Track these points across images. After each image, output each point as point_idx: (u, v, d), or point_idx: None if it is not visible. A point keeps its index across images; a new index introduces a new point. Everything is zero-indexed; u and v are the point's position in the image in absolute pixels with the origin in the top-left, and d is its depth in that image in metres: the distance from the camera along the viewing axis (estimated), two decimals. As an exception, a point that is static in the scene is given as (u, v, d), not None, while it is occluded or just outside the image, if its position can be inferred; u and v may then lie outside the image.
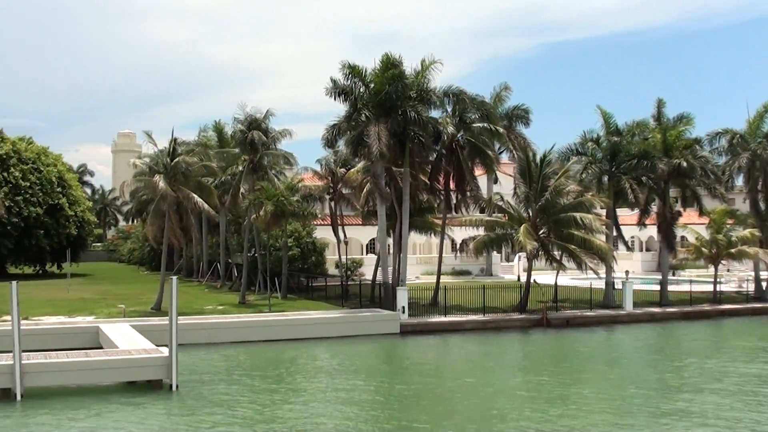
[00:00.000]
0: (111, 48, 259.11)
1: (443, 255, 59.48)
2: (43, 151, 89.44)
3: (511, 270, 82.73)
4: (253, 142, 57.70)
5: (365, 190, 55.62)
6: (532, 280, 54.69)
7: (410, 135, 50.27)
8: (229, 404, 29.98)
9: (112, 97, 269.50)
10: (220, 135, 72.93)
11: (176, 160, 52.06)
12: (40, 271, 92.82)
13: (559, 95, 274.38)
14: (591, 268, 52.39)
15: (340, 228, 63.57)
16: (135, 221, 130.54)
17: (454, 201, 57.12)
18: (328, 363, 40.11)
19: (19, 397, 30.39)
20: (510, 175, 59.07)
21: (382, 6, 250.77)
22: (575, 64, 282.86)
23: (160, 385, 32.46)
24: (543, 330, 50.93)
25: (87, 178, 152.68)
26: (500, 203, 55.29)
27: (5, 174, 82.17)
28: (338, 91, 50.93)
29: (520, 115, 71.98)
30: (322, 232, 71.18)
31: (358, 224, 71.62)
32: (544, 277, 65.93)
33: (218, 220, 72.55)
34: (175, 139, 54.41)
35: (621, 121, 58.99)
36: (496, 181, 71.88)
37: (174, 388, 32.10)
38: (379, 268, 56.69)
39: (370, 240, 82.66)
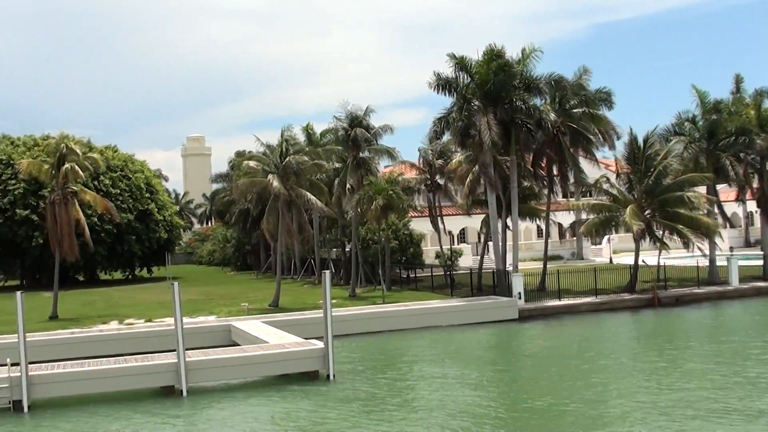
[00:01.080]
0: (159, 53, 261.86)
1: (533, 241, 60.08)
2: (129, 158, 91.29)
3: (600, 252, 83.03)
4: (356, 139, 58.66)
5: (468, 179, 56.21)
6: (640, 261, 55.05)
7: (517, 123, 50.87)
8: (388, 390, 31.22)
9: (163, 102, 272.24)
10: (308, 135, 73.83)
11: (287, 159, 53.17)
12: (130, 276, 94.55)
13: (612, 77, 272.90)
14: (698, 247, 52.72)
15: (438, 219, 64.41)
16: (209, 223, 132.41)
17: (558, 186, 57.54)
18: (467, 348, 41.19)
19: (184, 393, 31.49)
20: (597, 161, 59.18)
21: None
22: (626, 45, 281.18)
23: (316, 375, 33.44)
24: (654, 309, 51.42)
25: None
26: (606, 186, 55.69)
27: (96, 182, 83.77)
28: (442, 83, 51.69)
29: (603, 98, 72.11)
30: (416, 224, 71.96)
31: (451, 215, 72.29)
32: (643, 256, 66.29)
33: (326, 217, 73.26)
34: (287, 140, 55.56)
35: (690, 101, 59.51)
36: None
37: (331, 377, 33.04)
38: (485, 256, 57.42)
39: (461, 230, 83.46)
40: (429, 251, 74.33)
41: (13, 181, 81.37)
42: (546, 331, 45.58)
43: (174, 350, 32.56)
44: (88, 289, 79.45)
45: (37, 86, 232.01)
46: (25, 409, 30.15)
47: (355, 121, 58.96)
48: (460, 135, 51.64)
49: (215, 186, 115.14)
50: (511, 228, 55.07)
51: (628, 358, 36.17)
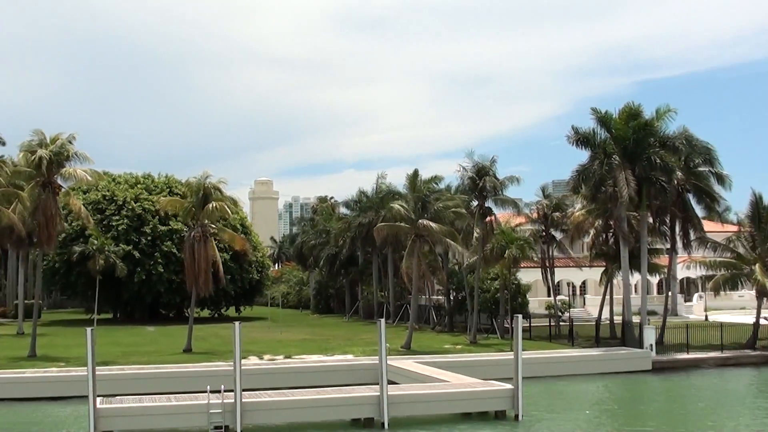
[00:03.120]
0: (208, 98, 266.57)
1: (633, 295, 61.07)
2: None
3: (691, 309, 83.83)
4: (484, 188, 60.08)
5: (592, 232, 57.59)
6: (762, 318, 56.13)
7: (651, 179, 52.27)
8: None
9: (208, 145, 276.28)
10: (412, 182, 75.31)
11: (436, 205, 54.96)
12: (216, 315, 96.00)
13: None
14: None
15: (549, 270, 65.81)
16: (278, 265, 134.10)
17: (679, 243, 58.72)
18: (620, 397, 42.48)
19: (386, 426, 32.90)
20: (723, 220, 60.59)
21: (473, 49, 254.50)
22: (671, 101, 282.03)
23: (503, 415, 34.74)
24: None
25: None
26: (731, 244, 56.82)
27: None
28: (580, 138, 53.29)
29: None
30: (522, 274, 73.14)
31: (560, 266, 73.49)
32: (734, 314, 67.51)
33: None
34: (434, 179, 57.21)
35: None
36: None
37: (519, 417, 34.36)
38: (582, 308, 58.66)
39: (567, 281, 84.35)
40: (533, 301, 75.37)
41: (117, 217, 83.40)
42: (684, 383, 46.87)
43: (364, 383, 34.13)
44: (181, 325, 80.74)
45: (93, 127, 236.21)
46: (237, 435, 31.70)
47: (482, 170, 60.39)
48: (594, 188, 53.06)
49: (285, 228, 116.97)
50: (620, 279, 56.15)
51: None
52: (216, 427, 31.90)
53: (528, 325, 63.36)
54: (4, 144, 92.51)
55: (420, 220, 54.03)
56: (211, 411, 31.99)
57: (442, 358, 49.15)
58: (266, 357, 51.31)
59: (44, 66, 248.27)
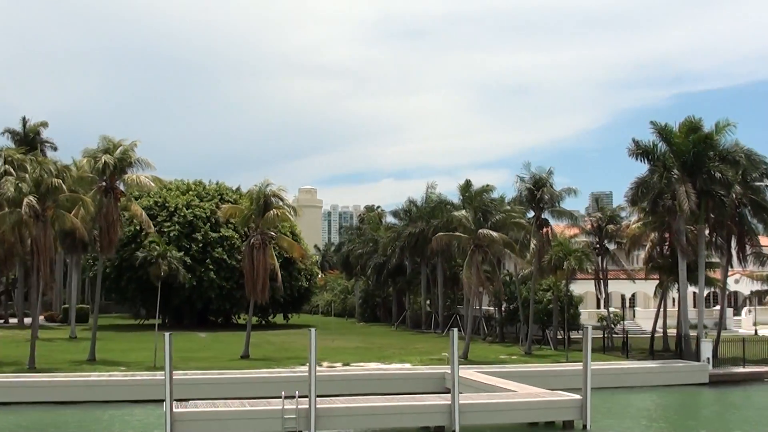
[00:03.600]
0: (248, 107, 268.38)
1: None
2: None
3: (739, 323, 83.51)
4: (542, 199, 60.39)
5: (647, 245, 57.71)
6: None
7: (711, 193, 52.35)
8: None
9: (250, 154, 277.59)
10: (464, 192, 75.62)
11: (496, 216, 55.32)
12: (263, 322, 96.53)
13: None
14: None
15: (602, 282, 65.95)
16: (322, 273, 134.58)
17: (734, 257, 58.74)
18: (681, 409, 42.69)
19: None
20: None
21: (513, 59, 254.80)
22: (711, 114, 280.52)
23: (571, 425, 35.02)
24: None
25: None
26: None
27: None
28: (640, 151, 53.47)
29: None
30: (575, 286, 73.10)
31: (613, 278, 73.36)
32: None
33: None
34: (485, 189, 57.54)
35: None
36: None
37: (588, 427, 34.62)
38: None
39: (624, 294, 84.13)
40: (583, 313, 75.27)
41: (168, 223, 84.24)
42: (748, 396, 46.92)
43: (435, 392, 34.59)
44: (230, 332, 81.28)
45: (136, 134, 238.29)
46: (311, 439, 32.18)
47: (540, 182, 60.70)
48: (653, 201, 53.20)
49: (325, 237, 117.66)
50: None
51: None
52: (293, 433, 32.41)
53: (574, 337, 63.73)
54: (55, 149, 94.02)
55: (481, 230, 54.29)
56: (285, 416, 32.44)
57: (502, 368, 49.45)
58: (325, 364, 51.66)
59: (92, 76, 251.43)
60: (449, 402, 34.25)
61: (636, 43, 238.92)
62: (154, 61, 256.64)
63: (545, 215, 62.18)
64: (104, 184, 53.36)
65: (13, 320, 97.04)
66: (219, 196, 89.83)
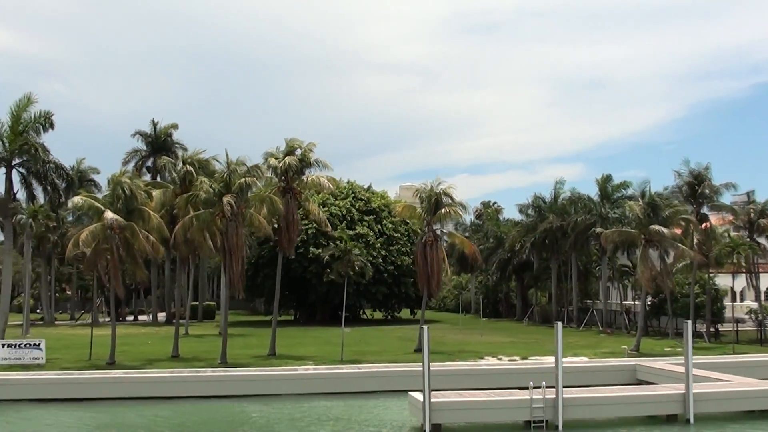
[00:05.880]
0: (319, 104, 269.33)
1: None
2: (405, 204, 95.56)
3: None
4: (702, 194, 61.34)
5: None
6: None
7: None
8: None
9: (323, 151, 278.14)
10: (603, 187, 76.74)
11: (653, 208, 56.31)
12: (389, 317, 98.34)
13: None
14: None
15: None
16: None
17: None
18: None
19: (692, 422, 34.79)
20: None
21: (587, 52, 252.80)
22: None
23: (675, 419, 35.94)
24: None
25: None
26: None
27: (379, 226, 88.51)
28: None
29: None
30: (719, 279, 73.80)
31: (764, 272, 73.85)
32: None
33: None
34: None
35: None
36: None
37: (691, 421, 35.46)
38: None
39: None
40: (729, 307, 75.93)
41: (305, 221, 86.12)
42: None
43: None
44: (362, 327, 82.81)
45: (213, 133, 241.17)
46: (560, 428, 33.55)
47: (700, 177, 61.64)
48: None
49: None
50: None
51: None
52: (537, 422, 33.83)
53: (733, 329, 64.52)
54: (185, 150, 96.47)
55: (652, 226, 55.32)
56: (533, 406, 33.90)
57: (698, 359, 49.95)
58: (505, 358, 52.95)
59: (166, 77, 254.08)
60: (683, 391, 35.53)
61: (711, 32, 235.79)
62: (226, 61, 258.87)
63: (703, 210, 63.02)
64: (283, 184, 55.27)
65: (143, 317, 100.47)
66: (352, 195, 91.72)
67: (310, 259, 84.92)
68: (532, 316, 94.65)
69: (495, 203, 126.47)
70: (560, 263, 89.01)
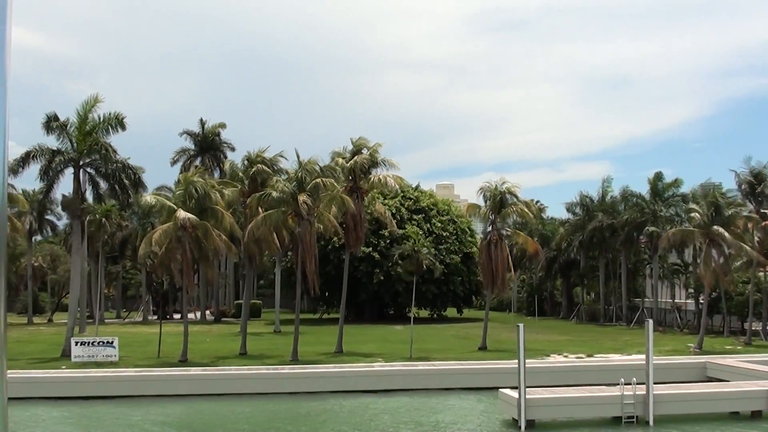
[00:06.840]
0: (346, 102, 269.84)
1: None
2: (451, 203, 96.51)
3: None
4: (762, 193, 61.81)
5: None
6: None
7: None
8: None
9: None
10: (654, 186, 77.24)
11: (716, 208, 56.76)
12: (435, 315, 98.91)
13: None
14: None
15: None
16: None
17: None
18: None
19: (651, 423, 34.85)
20: None
21: (613, 50, 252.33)
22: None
23: (759, 415, 36.51)
24: None
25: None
26: None
27: (429, 225, 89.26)
28: None
29: None
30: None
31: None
32: None
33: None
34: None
35: None
36: None
37: None
38: None
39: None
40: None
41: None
42: None
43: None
44: (413, 325, 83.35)
45: (239, 130, 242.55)
46: (651, 423, 34.27)
47: (759, 176, 62.06)
48: None
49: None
50: None
51: None
52: (628, 417, 34.59)
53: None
54: (233, 150, 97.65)
55: (714, 227, 55.76)
56: (624, 402, 34.65)
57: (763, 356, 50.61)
58: (571, 356, 53.43)
59: (191, 78, 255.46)
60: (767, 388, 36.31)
61: (738, 28, 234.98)
62: (253, 60, 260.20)
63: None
64: (350, 183, 56.03)
65: (190, 316, 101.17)
66: (402, 194, 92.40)
67: (360, 258, 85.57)
68: (578, 314, 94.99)
69: (538, 201, 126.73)
70: (607, 261, 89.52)
